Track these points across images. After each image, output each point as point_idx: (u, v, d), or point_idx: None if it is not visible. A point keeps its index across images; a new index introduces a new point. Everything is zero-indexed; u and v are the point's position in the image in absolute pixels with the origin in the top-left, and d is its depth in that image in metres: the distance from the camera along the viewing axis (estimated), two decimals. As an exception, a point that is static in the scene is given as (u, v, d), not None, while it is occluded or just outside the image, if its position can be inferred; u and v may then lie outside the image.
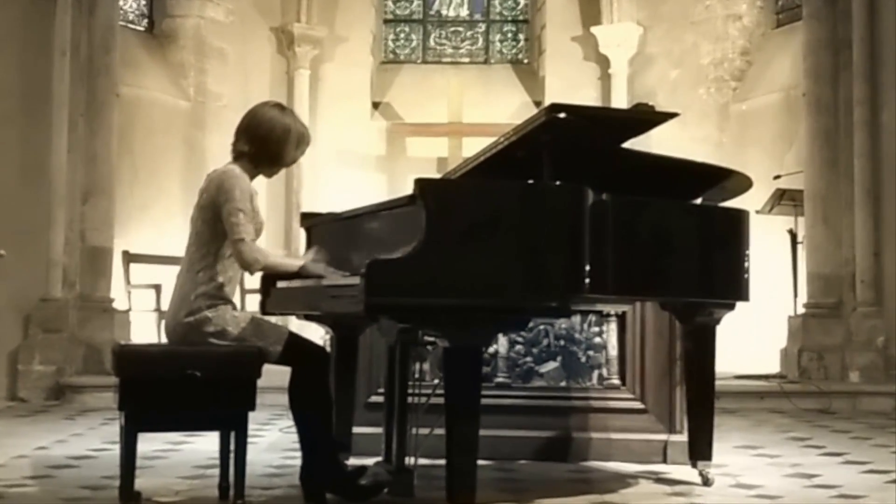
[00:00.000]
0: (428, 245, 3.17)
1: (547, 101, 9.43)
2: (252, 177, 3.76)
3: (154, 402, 3.49)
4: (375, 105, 10.86)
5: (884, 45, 7.60)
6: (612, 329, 4.77)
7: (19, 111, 7.49)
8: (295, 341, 3.67)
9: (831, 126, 7.94)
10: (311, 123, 10.04)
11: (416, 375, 4.00)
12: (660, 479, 4.27)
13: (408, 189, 3.31)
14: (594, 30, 10.49)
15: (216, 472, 3.81)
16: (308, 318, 4.24)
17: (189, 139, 9.80)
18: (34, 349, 7.41)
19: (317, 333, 5.09)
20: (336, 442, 3.79)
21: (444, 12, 11.74)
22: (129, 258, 8.11)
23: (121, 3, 8.94)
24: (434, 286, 3.17)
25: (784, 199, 7.97)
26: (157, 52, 9.93)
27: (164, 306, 4.36)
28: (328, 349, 4.14)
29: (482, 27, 11.66)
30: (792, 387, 7.30)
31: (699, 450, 4.15)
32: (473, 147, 6.04)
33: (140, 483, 3.60)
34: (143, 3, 10.02)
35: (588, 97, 10.22)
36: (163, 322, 3.90)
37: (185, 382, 3.46)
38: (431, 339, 3.58)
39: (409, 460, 3.82)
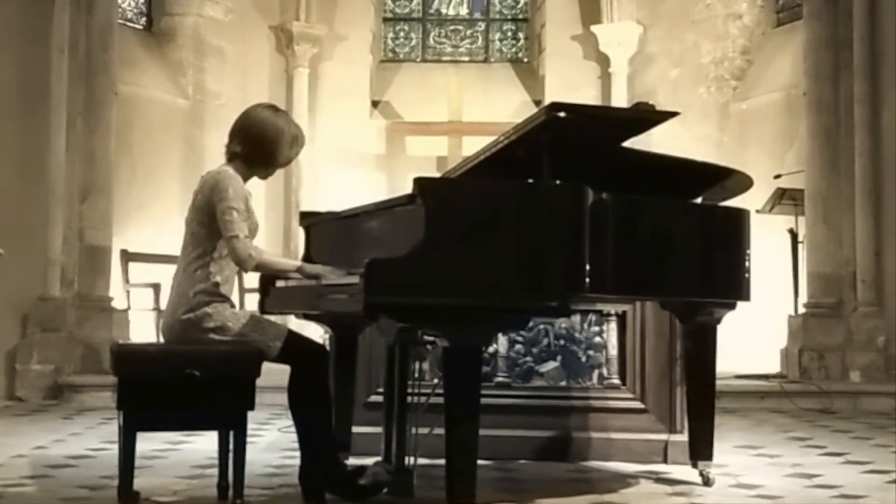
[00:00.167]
0: (427, 244, 3.16)
1: (547, 100, 9.40)
2: (246, 178, 3.76)
3: (153, 401, 3.49)
4: (375, 104, 10.84)
5: (884, 44, 7.59)
6: (612, 329, 4.76)
7: (17, 109, 7.46)
8: (294, 339, 3.66)
9: (832, 125, 7.92)
10: (311, 122, 10.06)
11: (416, 375, 3.98)
12: (660, 479, 4.27)
13: (407, 188, 3.29)
14: (594, 28, 10.47)
15: (215, 471, 3.80)
16: (307, 317, 4.23)
17: (188, 138, 9.78)
18: (32, 348, 7.39)
19: (316, 333, 5.08)
20: (335, 441, 3.78)
21: (443, 11, 11.71)
22: (127, 257, 8.12)
23: (119, 1, 8.93)
24: (434, 285, 3.16)
25: (784, 199, 7.95)
26: (156, 50, 9.91)
27: (163, 305, 4.34)
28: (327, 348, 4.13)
29: (482, 26, 11.64)
30: (792, 387, 7.29)
31: (700, 450, 4.14)
32: (473, 146, 6.01)
33: (139, 483, 3.60)
34: (142, 1, 10.00)
35: (588, 96, 10.20)
36: (161, 321, 3.89)
37: (184, 382, 3.46)
38: (431, 338, 3.58)
39: (409, 460, 3.81)
